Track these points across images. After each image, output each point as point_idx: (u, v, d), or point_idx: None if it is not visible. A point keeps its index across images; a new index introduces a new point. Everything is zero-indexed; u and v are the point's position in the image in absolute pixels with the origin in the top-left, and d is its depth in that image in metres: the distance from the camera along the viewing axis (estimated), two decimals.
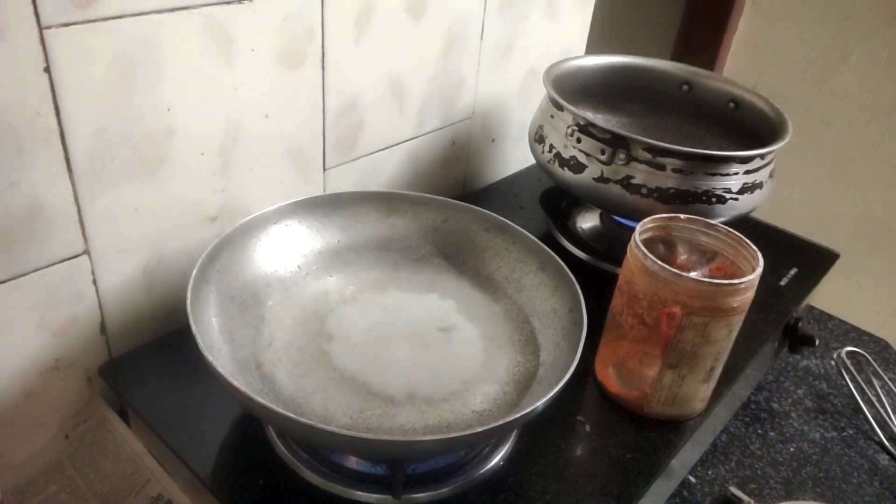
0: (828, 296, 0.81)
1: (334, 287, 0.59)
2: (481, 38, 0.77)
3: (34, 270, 0.51)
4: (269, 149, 0.62)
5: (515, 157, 0.93)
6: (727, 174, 0.63)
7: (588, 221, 0.78)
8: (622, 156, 0.63)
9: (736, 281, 0.49)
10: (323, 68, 0.62)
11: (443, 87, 0.76)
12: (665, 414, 0.55)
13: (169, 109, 0.53)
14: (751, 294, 0.51)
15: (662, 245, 0.56)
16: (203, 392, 0.53)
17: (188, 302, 0.47)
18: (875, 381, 0.71)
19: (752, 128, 0.74)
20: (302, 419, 0.41)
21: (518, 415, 0.43)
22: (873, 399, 0.70)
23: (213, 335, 0.50)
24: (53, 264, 0.52)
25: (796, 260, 0.76)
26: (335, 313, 0.57)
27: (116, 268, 0.56)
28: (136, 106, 0.51)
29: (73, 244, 0.52)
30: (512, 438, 0.52)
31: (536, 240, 0.59)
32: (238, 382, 0.42)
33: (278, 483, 0.48)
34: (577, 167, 0.66)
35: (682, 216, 0.55)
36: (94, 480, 0.54)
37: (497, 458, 0.50)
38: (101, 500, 0.53)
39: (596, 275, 0.67)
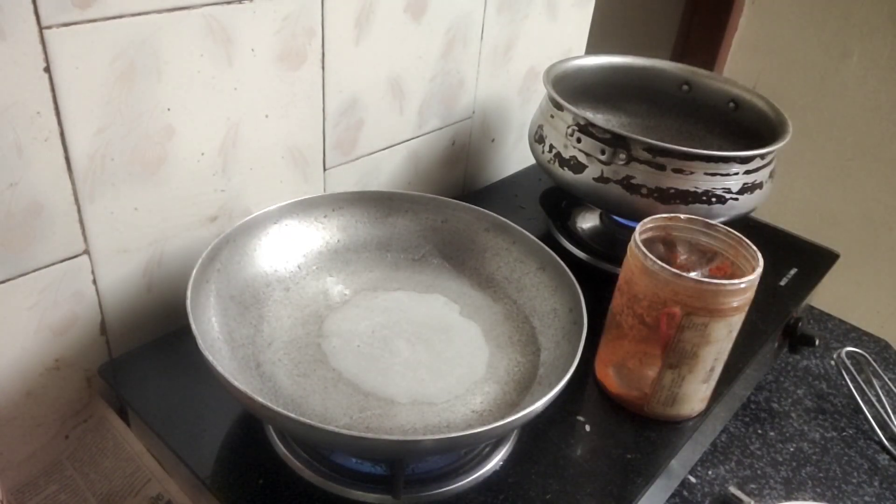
0: (828, 296, 0.81)
1: (334, 287, 0.59)
2: (481, 38, 0.77)
3: (34, 270, 0.51)
4: (269, 149, 0.62)
5: (515, 157, 0.93)
6: (727, 174, 0.63)
7: (588, 221, 0.78)
8: (622, 156, 0.63)
9: (736, 281, 0.49)
10: (323, 68, 0.62)
11: (443, 87, 0.76)
12: (665, 414, 0.55)
13: (169, 109, 0.53)
14: (751, 294, 0.51)
15: (662, 245, 0.56)
16: (203, 392, 0.53)
17: (188, 302, 0.47)
18: (875, 382, 0.71)
19: (752, 128, 0.74)
20: (302, 419, 0.40)
21: (518, 415, 0.43)
22: (873, 399, 0.70)
23: (213, 335, 0.50)
24: (53, 264, 0.52)
25: (796, 260, 0.76)
26: (335, 313, 0.57)
27: (116, 268, 0.56)
28: (136, 106, 0.51)
29: (73, 244, 0.52)
30: (512, 438, 0.52)
31: (536, 240, 0.59)
32: (238, 382, 0.42)
33: (278, 483, 0.48)
34: (577, 167, 0.66)
35: (682, 216, 0.55)
36: (94, 480, 0.54)
37: (497, 459, 0.50)
38: (100, 500, 0.53)
39: (596, 275, 0.67)
